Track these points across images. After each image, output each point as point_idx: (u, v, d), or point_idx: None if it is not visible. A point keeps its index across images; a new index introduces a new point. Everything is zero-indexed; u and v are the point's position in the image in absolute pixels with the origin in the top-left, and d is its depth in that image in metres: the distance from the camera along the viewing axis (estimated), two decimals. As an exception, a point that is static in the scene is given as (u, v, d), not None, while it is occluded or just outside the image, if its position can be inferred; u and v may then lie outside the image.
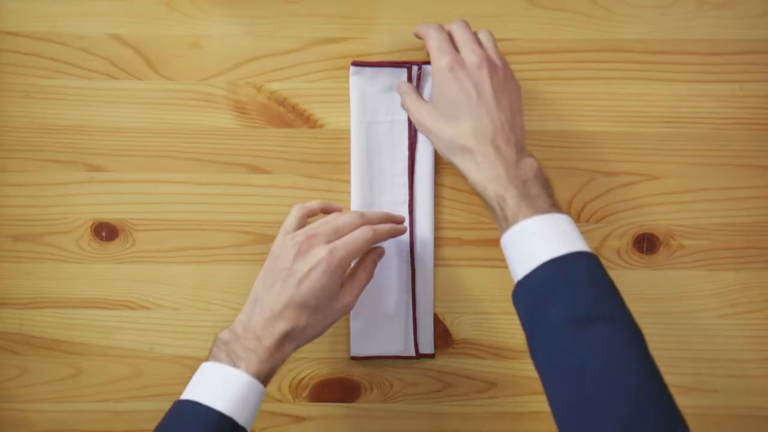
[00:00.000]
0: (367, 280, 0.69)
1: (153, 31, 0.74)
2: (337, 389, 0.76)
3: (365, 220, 0.67)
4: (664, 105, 0.74)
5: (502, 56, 0.67)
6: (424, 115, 0.68)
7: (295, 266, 0.64)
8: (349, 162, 0.74)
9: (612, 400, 0.54)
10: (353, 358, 0.75)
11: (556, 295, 0.58)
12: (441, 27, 0.68)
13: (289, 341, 0.64)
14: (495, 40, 0.68)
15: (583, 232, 0.61)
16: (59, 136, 0.74)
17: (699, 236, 0.75)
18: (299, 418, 0.76)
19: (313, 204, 0.70)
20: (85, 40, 0.74)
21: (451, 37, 0.68)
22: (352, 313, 0.74)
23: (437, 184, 0.75)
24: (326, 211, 0.71)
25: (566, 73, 0.74)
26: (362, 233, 0.66)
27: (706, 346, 0.75)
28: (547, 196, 0.62)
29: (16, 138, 0.74)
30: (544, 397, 0.58)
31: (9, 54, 0.74)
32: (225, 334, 0.64)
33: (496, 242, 0.70)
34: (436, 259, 0.75)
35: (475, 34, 0.68)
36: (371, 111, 0.73)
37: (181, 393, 0.62)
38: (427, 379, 0.76)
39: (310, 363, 0.76)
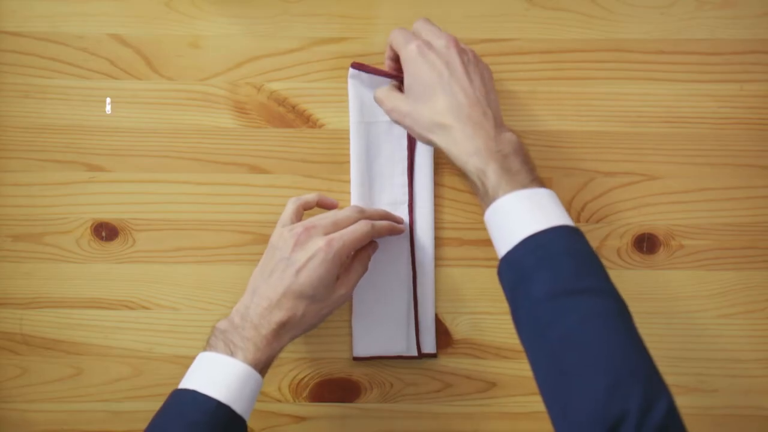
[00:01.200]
0: (363, 272, 0.69)
1: (153, 31, 0.74)
2: (337, 389, 0.76)
3: (364, 215, 0.69)
4: (664, 105, 0.74)
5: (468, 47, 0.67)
6: (398, 104, 0.67)
7: (294, 256, 0.65)
8: (349, 162, 0.74)
9: (593, 371, 0.54)
10: (356, 359, 0.75)
11: (537, 271, 0.58)
12: (404, 28, 0.69)
13: (287, 331, 0.64)
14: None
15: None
16: (59, 136, 0.74)
17: (699, 236, 0.75)
18: (299, 418, 0.76)
19: (309, 197, 0.71)
20: (85, 40, 0.74)
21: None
22: (353, 313, 0.74)
23: (437, 184, 0.75)
24: (322, 204, 0.72)
25: (566, 73, 0.74)
26: (360, 227, 0.66)
27: (706, 346, 0.75)
28: (527, 171, 0.62)
29: (16, 138, 0.74)
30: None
31: (9, 54, 0.74)
32: (223, 324, 0.65)
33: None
34: (436, 259, 0.75)
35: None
36: (370, 112, 0.73)
37: (180, 392, 0.63)
38: (426, 379, 0.76)
39: (310, 363, 0.76)
